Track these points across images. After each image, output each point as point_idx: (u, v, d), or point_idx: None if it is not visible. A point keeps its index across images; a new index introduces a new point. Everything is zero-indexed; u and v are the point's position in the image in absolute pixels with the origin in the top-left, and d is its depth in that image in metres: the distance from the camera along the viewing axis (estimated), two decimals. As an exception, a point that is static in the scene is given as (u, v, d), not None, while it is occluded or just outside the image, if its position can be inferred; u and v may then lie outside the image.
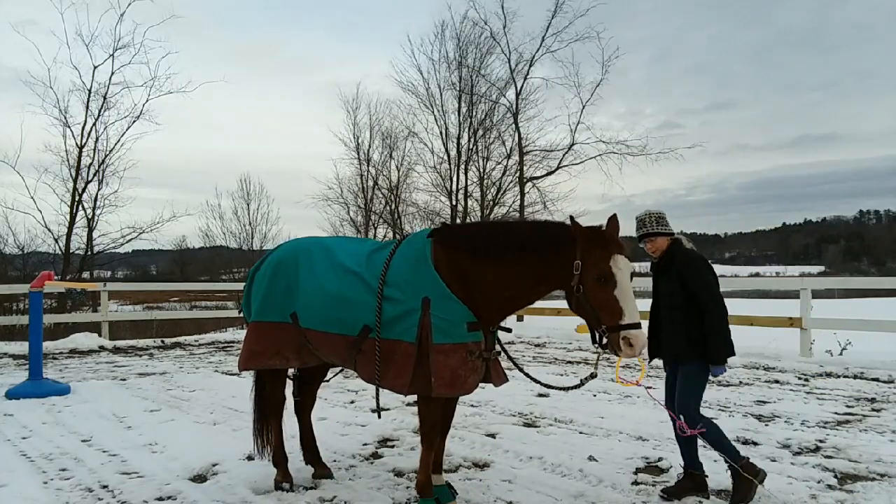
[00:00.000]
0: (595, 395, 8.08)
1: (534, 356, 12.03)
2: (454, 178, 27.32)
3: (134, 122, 22.23)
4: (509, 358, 4.57)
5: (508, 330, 4.59)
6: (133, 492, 4.66)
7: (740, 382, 8.97)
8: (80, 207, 21.93)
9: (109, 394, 8.59)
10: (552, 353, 12.34)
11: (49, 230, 21.80)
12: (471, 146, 26.98)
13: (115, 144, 22.22)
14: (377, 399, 4.49)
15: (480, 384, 4.23)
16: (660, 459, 5.33)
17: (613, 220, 3.93)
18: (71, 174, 21.64)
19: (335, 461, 5.37)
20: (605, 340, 3.88)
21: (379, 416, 4.62)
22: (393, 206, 29.60)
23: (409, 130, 28.22)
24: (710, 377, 4.52)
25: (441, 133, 27.38)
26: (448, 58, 26.86)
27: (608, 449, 5.66)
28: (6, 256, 22.80)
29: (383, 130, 29.65)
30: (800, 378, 9.34)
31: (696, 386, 4.44)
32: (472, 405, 7.58)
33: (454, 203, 27.29)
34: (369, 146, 29.97)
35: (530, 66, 25.59)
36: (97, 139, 21.91)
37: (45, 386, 8.62)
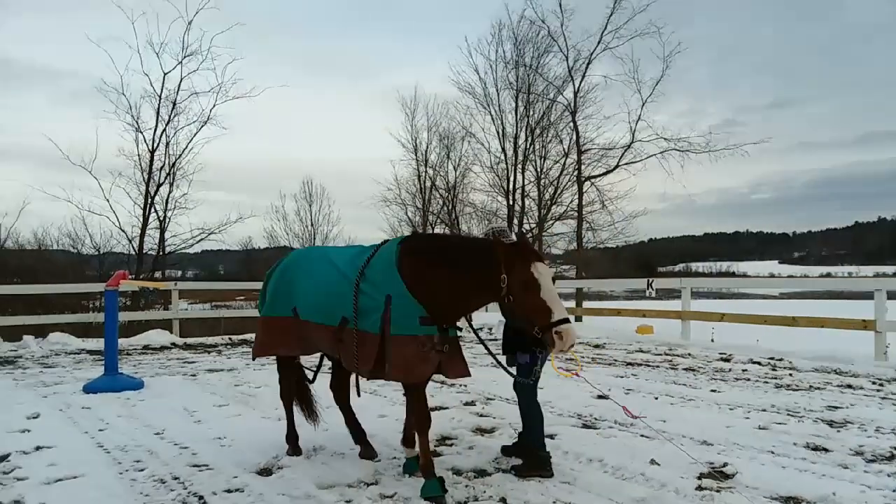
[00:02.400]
0: (657, 398, 7.92)
1: (593, 357, 11.86)
2: (511, 178, 27.21)
3: (202, 126, 22.92)
4: (487, 350, 5.22)
5: (459, 329, 5.05)
6: (203, 484, 4.83)
7: (810, 387, 8.64)
8: (153, 209, 22.75)
9: (180, 389, 8.91)
10: (612, 355, 12.14)
11: (123, 231, 22.72)
12: (528, 145, 26.81)
13: (185, 149, 22.95)
14: (357, 384, 5.20)
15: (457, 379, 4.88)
16: (725, 465, 5.19)
17: (521, 236, 4.71)
18: (143, 177, 22.49)
19: (394, 458, 5.43)
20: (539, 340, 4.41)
21: (358, 395, 5.32)
22: (450, 207, 29.68)
23: (466, 131, 28.24)
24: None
25: (498, 133, 27.30)
26: (505, 57, 26.76)
27: (671, 453, 5.51)
28: (83, 257, 23.83)
29: (440, 131, 29.76)
30: (874, 383, 8.93)
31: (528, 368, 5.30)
32: (530, 405, 7.53)
33: (511, 203, 27.18)
34: (427, 147, 30.12)
35: (588, 63, 25.26)
36: (168, 144, 22.69)
37: (121, 381, 9.00)
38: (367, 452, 5.57)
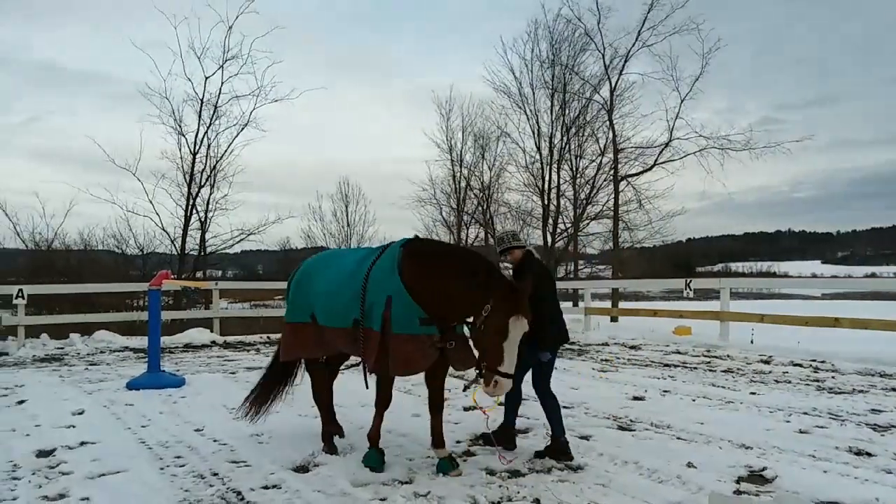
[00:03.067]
0: (694, 401, 7.80)
1: (628, 358, 11.73)
2: (546, 177, 27.02)
3: (242, 129, 23.24)
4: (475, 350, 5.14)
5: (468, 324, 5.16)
6: (241, 480, 4.91)
7: (854, 390, 8.41)
8: (194, 210, 23.20)
9: (220, 386, 9.07)
10: (648, 356, 11.99)
11: (166, 232, 23.20)
12: (563, 144, 26.62)
13: (226, 151, 23.33)
14: (365, 377, 5.33)
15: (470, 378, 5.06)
16: (764, 469, 5.08)
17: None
18: (185, 179, 22.93)
19: (429, 457, 5.44)
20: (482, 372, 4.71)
21: (367, 387, 5.36)
22: (485, 207, 29.63)
23: (501, 130, 28.15)
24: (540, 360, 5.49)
25: (533, 132, 27.15)
26: (541, 57, 26.60)
27: (708, 456, 5.45)
28: (128, 257, 24.38)
29: (475, 131, 29.73)
30: (922, 386, 8.65)
31: (547, 365, 5.64)
32: (564, 406, 7.46)
33: (546, 202, 27.01)
34: (462, 147, 30.12)
35: (625, 61, 24.98)
36: (209, 146, 23.08)
37: (163, 378, 9.20)
38: (334, 430, 5.99)
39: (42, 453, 5.66)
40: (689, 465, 5.19)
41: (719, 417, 6.88)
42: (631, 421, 6.77)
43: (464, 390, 5.26)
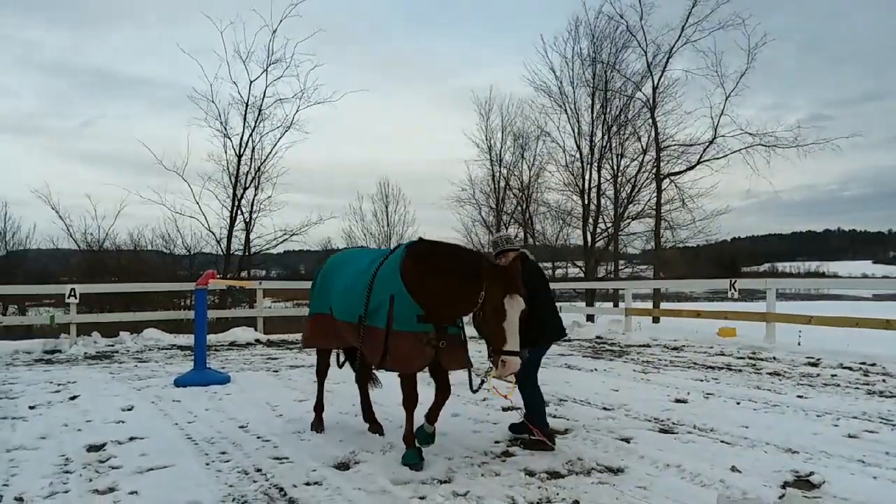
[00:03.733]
0: (738, 403, 7.63)
1: (670, 360, 11.54)
2: (586, 177, 26.77)
3: (286, 131, 23.63)
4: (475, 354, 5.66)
5: (459, 326, 5.49)
6: (284, 476, 4.98)
7: (907, 394, 8.12)
8: (239, 211, 23.67)
9: (263, 384, 9.23)
10: (691, 357, 11.78)
11: (212, 233, 23.73)
12: (604, 143, 26.34)
13: (269, 153, 23.75)
14: (347, 365, 6.14)
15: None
16: (811, 474, 4.95)
17: (516, 260, 5.08)
18: (231, 181, 23.42)
19: (467, 457, 5.45)
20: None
21: (376, 385, 6.26)
22: (524, 206, 29.49)
23: (540, 130, 28.00)
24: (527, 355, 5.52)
25: (573, 131, 26.93)
26: (582, 55, 26.37)
27: (753, 460, 5.33)
28: (175, 257, 25.00)
29: (515, 131, 29.61)
30: (980, 391, 8.30)
31: (529, 361, 5.70)
32: (604, 408, 7.41)
33: (586, 202, 26.76)
34: (501, 147, 30.04)
35: (668, 57, 24.62)
36: (253, 149, 23.53)
37: (208, 375, 9.40)
38: (375, 428, 6.37)
39: (93, 448, 5.84)
40: (734, 469, 5.09)
41: (765, 421, 6.72)
42: (673, 423, 6.67)
43: (476, 389, 5.38)
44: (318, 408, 6.64)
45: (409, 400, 5.38)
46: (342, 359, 6.64)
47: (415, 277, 5.17)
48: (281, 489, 4.72)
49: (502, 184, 29.91)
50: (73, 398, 8.18)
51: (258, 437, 6.21)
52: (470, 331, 5.41)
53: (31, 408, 7.58)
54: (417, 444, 5.37)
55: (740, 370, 10.22)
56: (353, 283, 5.70)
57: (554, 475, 5.03)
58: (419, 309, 5.13)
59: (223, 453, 5.67)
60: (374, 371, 6.46)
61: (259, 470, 5.18)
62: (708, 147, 24.36)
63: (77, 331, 14.31)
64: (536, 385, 5.90)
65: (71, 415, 7.19)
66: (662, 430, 6.39)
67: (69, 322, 14.38)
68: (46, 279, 22.04)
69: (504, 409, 7.25)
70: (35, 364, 11.65)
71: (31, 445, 5.89)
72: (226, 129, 23.23)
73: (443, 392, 5.50)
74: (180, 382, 9.16)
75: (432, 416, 5.51)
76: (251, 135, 23.38)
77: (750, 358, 11.54)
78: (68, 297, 14.38)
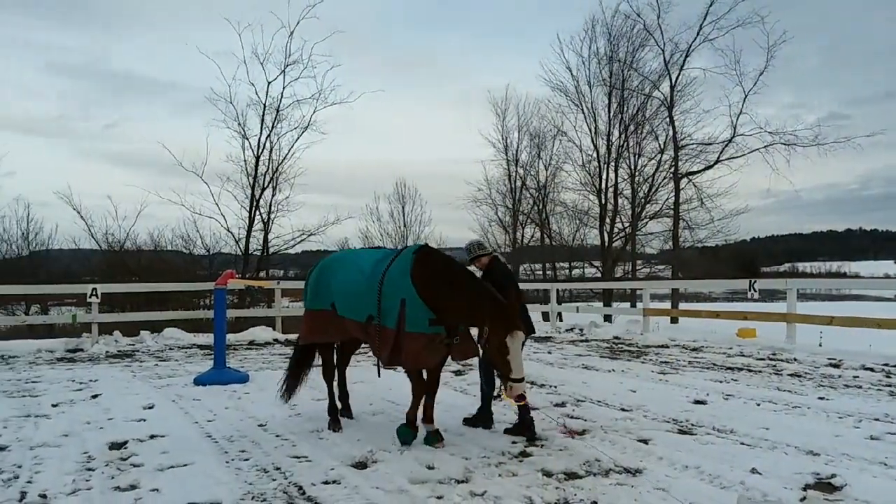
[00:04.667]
0: (759, 405, 7.55)
1: (689, 361, 11.45)
2: (603, 176, 26.68)
3: (303, 132, 23.69)
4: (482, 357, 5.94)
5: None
6: (302, 474, 5.01)
7: (931, 396, 7.99)
8: (257, 212, 23.81)
9: (281, 383, 9.27)
10: (710, 358, 11.67)
11: (231, 233, 23.87)
12: (621, 142, 26.23)
13: (287, 154, 23.84)
14: (378, 368, 6.31)
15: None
16: (833, 476, 4.88)
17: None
18: (249, 182, 23.55)
19: (484, 457, 5.44)
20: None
21: (378, 375, 6.51)
22: (541, 206, 29.42)
23: (557, 129, 27.95)
24: None
25: (590, 130, 26.85)
26: (598, 54, 26.30)
27: (774, 462, 5.27)
28: (195, 257, 25.21)
29: (531, 131, 29.56)
30: None
31: None
32: (622, 409, 7.37)
33: (603, 201, 26.65)
34: (517, 147, 29.99)
35: (686, 56, 24.49)
36: (271, 149, 23.62)
37: (228, 374, 9.48)
38: (344, 413, 6.90)
39: (114, 445, 5.90)
40: (753, 471, 5.04)
41: (785, 422, 6.65)
42: (692, 425, 6.61)
43: (495, 398, 6.30)
44: (332, 409, 6.71)
45: (419, 387, 5.86)
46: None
47: (426, 285, 5.60)
48: (300, 487, 4.75)
49: (518, 183, 29.86)
50: (94, 396, 8.29)
51: (277, 436, 6.25)
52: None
53: (53, 406, 7.69)
54: (425, 444, 5.78)
55: (760, 371, 10.12)
56: (359, 283, 6.02)
57: (572, 476, 5.01)
58: (430, 313, 5.56)
59: (242, 451, 5.71)
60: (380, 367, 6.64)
61: (278, 468, 5.21)
62: (727, 146, 24.19)
63: (99, 330, 14.48)
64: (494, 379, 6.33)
65: (93, 413, 7.28)
66: (681, 432, 6.34)
67: (91, 321, 14.56)
68: (69, 279, 22.29)
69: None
70: (58, 363, 11.82)
71: (54, 443, 5.97)
72: (244, 130, 23.39)
73: (432, 387, 5.96)
74: (200, 381, 9.24)
75: (427, 416, 5.93)
76: (269, 136, 23.52)
77: (770, 359, 11.42)
78: (90, 297, 14.57)
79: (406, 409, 6.06)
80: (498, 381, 5.83)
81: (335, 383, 6.94)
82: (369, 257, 6.32)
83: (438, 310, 5.59)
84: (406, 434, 5.84)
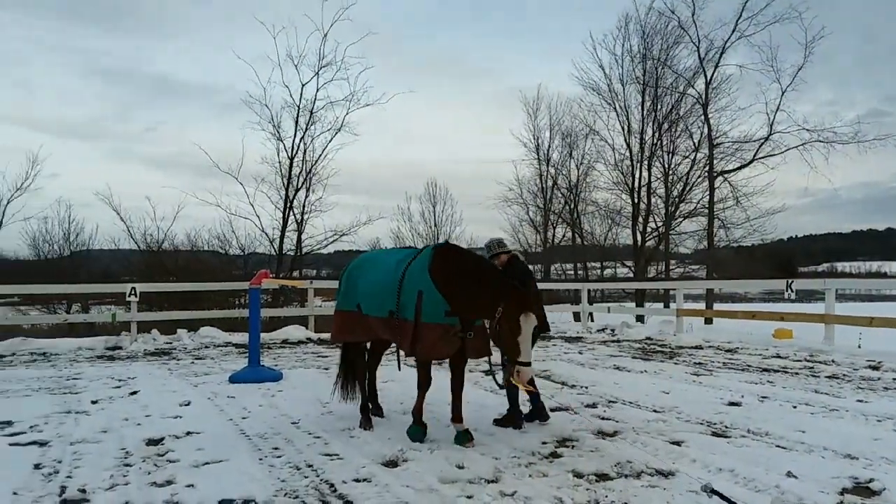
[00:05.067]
0: (795, 407, 7.40)
1: (723, 362, 11.27)
2: (636, 175, 26.38)
3: (336, 133, 23.93)
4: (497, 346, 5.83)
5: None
6: (334, 472, 5.06)
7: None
8: (291, 212, 24.09)
9: (315, 381, 9.37)
10: (745, 360, 11.47)
11: (265, 233, 24.20)
12: (655, 141, 25.91)
13: (320, 155, 24.09)
14: (399, 361, 6.69)
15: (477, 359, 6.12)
16: (871, 480, 4.77)
17: (527, 285, 6.08)
18: (283, 183, 23.85)
19: (514, 457, 5.43)
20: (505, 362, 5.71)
21: (399, 369, 6.97)
22: (572, 206, 29.20)
23: (589, 128, 27.72)
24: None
25: (623, 129, 26.57)
26: (632, 51, 26.03)
27: (810, 466, 5.16)
28: (230, 257, 25.60)
29: (563, 130, 29.37)
30: None
31: None
32: (654, 410, 7.28)
33: (636, 200, 26.35)
34: (549, 146, 29.84)
35: (722, 53, 24.11)
36: (305, 151, 23.91)
37: (262, 372, 9.61)
38: (376, 412, 7.01)
39: (151, 442, 6.02)
40: (789, 474, 4.94)
41: (822, 425, 6.51)
42: (726, 427, 6.51)
43: (502, 386, 6.19)
44: (364, 408, 6.77)
45: (423, 382, 6.05)
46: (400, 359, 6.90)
47: (443, 275, 5.79)
48: (331, 485, 4.79)
49: (550, 183, 29.72)
50: (133, 393, 8.46)
51: (309, 434, 6.31)
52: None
53: (93, 402, 7.88)
54: (455, 443, 5.83)
55: (797, 373, 9.91)
56: (382, 281, 6.22)
57: (602, 477, 4.97)
58: (447, 304, 5.74)
59: (276, 449, 5.78)
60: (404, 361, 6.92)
61: (310, 465, 5.26)
62: (763, 144, 23.77)
63: (137, 328, 14.80)
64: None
65: (131, 409, 7.44)
66: (715, 434, 6.24)
67: (130, 320, 14.88)
68: (108, 279, 22.83)
69: (552, 410, 7.21)
70: (97, 360, 12.11)
71: (92, 439, 6.12)
72: (278, 132, 23.69)
73: (457, 389, 6.07)
74: (235, 379, 9.38)
75: (456, 416, 6.02)
76: (303, 137, 23.79)
77: (807, 360, 11.19)
78: (129, 296, 14.88)
79: (447, 411, 6.17)
80: (500, 375, 6.15)
81: (366, 382, 7.00)
82: (394, 256, 6.50)
83: (455, 302, 5.74)
84: (416, 433, 5.97)
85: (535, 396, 6.58)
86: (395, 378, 9.01)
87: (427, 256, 6.03)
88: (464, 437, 5.86)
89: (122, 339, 14.26)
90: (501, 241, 6.85)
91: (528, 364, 5.40)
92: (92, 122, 63.72)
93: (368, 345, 7.14)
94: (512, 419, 6.55)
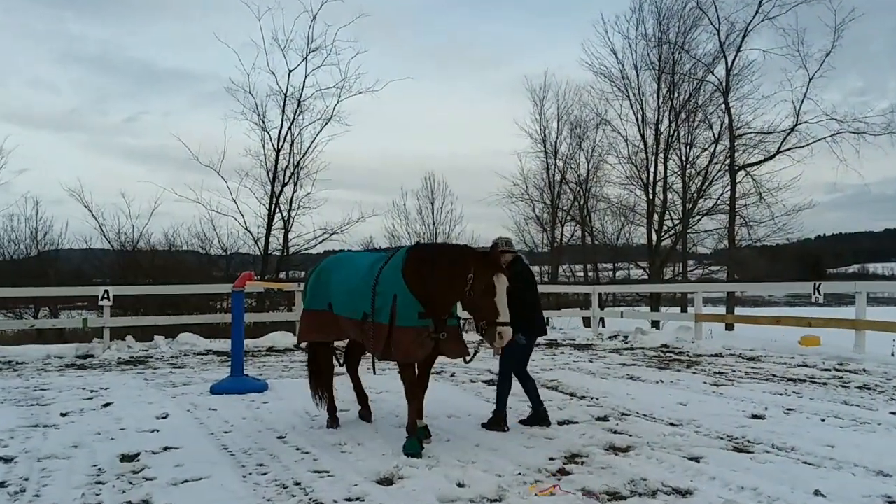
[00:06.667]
0: (823, 420, 7.41)
1: (746, 371, 11.28)
2: (651, 169, 26.43)
3: (326, 124, 23.94)
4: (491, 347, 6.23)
5: (458, 318, 6.71)
6: (324, 491, 5.06)
7: None
8: (277, 209, 24.07)
9: (303, 392, 9.32)
10: (769, 369, 11.49)
11: (249, 232, 24.20)
12: (671, 132, 25.95)
13: (309, 147, 24.06)
14: (374, 365, 6.90)
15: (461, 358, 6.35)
16: (906, 500, 4.77)
17: (495, 248, 6.58)
18: (269, 177, 23.85)
19: (519, 474, 5.43)
20: (483, 332, 5.88)
21: (374, 373, 7.45)
22: (582, 202, 29.23)
23: (600, 118, 27.79)
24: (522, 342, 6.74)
25: (637, 119, 26.63)
26: (646, 35, 26.08)
27: (839, 484, 5.16)
28: (211, 257, 25.60)
29: (572, 120, 29.42)
30: None
31: (521, 350, 6.90)
32: (671, 424, 7.29)
33: (651, 196, 26.38)
34: (557, 138, 29.88)
35: (744, 36, 24.17)
36: (292, 142, 23.92)
37: (246, 383, 9.61)
38: (364, 414, 7.53)
39: (126, 457, 6.02)
40: (817, 493, 4.94)
41: (853, 440, 6.52)
42: (748, 442, 6.52)
43: (469, 360, 6.30)
44: (331, 409, 7.31)
45: (412, 387, 6.27)
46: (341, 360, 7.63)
47: (415, 276, 6.12)
48: (321, 504, 4.80)
49: (558, 177, 29.73)
50: (106, 405, 8.46)
51: (297, 449, 6.31)
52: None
53: (62, 415, 7.88)
54: (420, 451, 6.02)
55: (825, 383, 9.93)
56: (356, 283, 6.59)
57: (615, 496, 4.97)
58: (420, 306, 6.07)
59: (261, 465, 5.78)
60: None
61: (298, 483, 5.26)
62: (789, 135, 23.82)
63: (110, 335, 14.76)
64: (510, 377, 7.06)
65: (104, 423, 7.43)
66: (736, 449, 6.25)
67: (102, 326, 14.86)
68: (79, 281, 22.79)
69: (560, 424, 7.22)
70: (67, 369, 12.11)
71: (62, 454, 6.11)
72: (263, 122, 23.68)
73: (421, 387, 6.49)
74: (217, 390, 9.38)
75: (418, 414, 6.35)
76: (290, 128, 23.79)
77: (836, 370, 11.20)
78: (101, 300, 14.83)
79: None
80: (474, 348, 6.32)
81: (333, 383, 7.46)
82: (368, 259, 6.95)
83: (428, 298, 6.07)
84: (413, 448, 6.04)
85: (536, 401, 7.07)
86: (389, 389, 9.01)
87: (400, 258, 6.37)
88: (422, 433, 6.33)
89: (94, 347, 14.23)
90: (509, 240, 7.19)
91: (508, 324, 5.75)
92: (66, 112, 63.62)
93: (344, 345, 7.74)
94: (498, 421, 6.95)
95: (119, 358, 13.47)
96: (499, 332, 5.69)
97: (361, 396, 7.68)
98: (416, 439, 6.12)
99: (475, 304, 5.85)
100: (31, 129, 56.79)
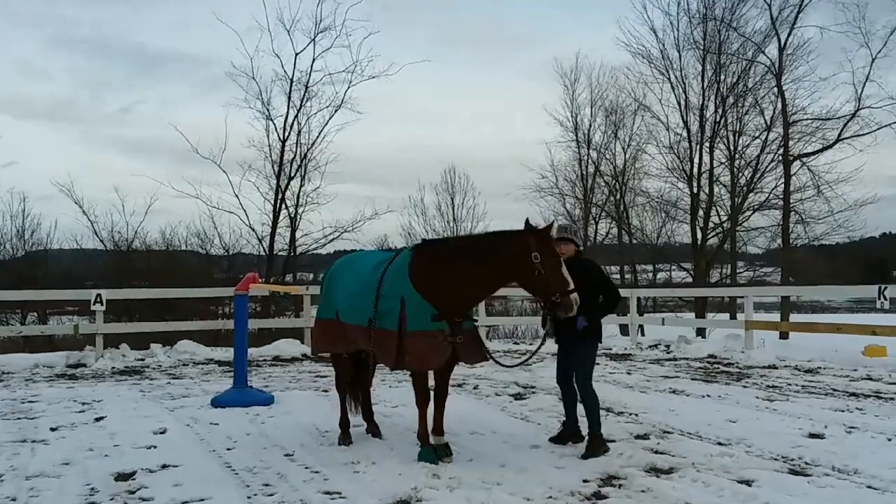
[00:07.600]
0: (890, 440, 7.32)
1: (802, 385, 11.17)
2: (696, 160, 26.24)
3: (335, 111, 23.99)
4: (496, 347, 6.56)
5: (475, 320, 6.87)
6: (334, 515, 5.08)
7: None
8: (283, 205, 24.12)
9: (312, 406, 9.42)
10: (828, 382, 11.36)
11: (253, 230, 24.27)
12: (718, 118, 25.76)
13: (317, 137, 24.08)
14: (372, 372, 7.30)
15: (474, 365, 6.99)
16: (985, 531, 4.70)
17: (550, 226, 6.24)
18: (274, 170, 23.91)
19: (550, 497, 5.42)
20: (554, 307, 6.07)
21: (370, 384, 7.60)
22: (618, 197, 29.04)
23: (638, 103, 27.65)
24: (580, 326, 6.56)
25: (679, 104, 26.45)
26: (689, 11, 25.92)
27: (908, 511, 5.10)
28: (212, 258, 25.71)
29: (607, 105, 29.23)
30: None
31: (591, 359, 6.88)
32: (718, 443, 7.24)
33: (696, 190, 26.19)
34: (590, 125, 29.71)
35: (799, 11, 23.94)
36: (299, 132, 23.95)
37: (250, 395, 9.65)
38: (373, 430, 7.50)
39: (121, 476, 6.08)
40: (883, 521, 4.89)
41: (924, 462, 6.43)
42: (806, 463, 6.46)
43: (544, 339, 6.81)
44: (343, 423, 7.30)
45: (421, 397, 6.40)
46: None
47: (424, 276, 6.19)
48: (332, 530, 4.82)
49: (591, 169, 29.58)
50: (99, 419, 8.55)
51: (306, 468, 6.35)
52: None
53: (52, 429, 7.97)
54: (436, 459, 6.24)
55: (892, 398, 9.81)
56: (359, 286, 6.65)
57: (656, 523, 4.95)
58: (432, 308, 6.09)
59: (266, 485, 5.82)
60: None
61: (307, 506, 5.29)
62: (850, 121, 23.55)
63: (104, 342, 14.86)
64: (592, 388, 6.85)
65: (97, 438, 7.51)
66: (792, 472, 6.20)
67: (95, 332, 15.00)
68: (70, 284, 23.02)
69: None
70: (57, 380, 12.25)
71: (52, 473, 6.18)
72: (268, 109, 23.77)
73: (440, 398, 6.53)
74: (218, 403, 9.43)
75: (437, 427, 6.48)
76: (296, 116, 23.86)
77: (905, 383, 11.06)
78: (94, 304, 14.96)
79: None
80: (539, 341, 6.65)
81: (353, 398, 7.50)
82: (374, 258, 7.02)
83: (442, 299, 6.11)
84: (428, 455, 6.27)
85: (572, 417, 7.09)
86: (406, 402, 9.02)
87: (405, 258, 6.46)
88: (443, 452, 6.34)
89: (87, 355, 14.36)
90: (567, 228, 7.30)
91: (575, 290, 5.96)
92: (59, 102, 64.35)
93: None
94: (571, 434, 7.03)
95: (113, 367, 13.59)
96: (573, 297, 5.90)
97: (367, 412, 7.69)
98: (432, 448, 6.32)
99: (543, 280, 5.95)
100: (17, 118, 57.58)
